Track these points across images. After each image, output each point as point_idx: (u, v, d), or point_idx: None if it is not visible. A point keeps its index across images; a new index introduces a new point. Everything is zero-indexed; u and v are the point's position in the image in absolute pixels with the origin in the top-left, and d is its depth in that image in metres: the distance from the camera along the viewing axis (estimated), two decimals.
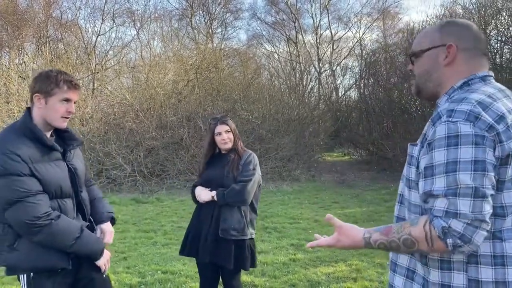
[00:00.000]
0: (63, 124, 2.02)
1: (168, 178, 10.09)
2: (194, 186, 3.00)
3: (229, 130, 2.88)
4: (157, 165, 10.25)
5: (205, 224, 2.83)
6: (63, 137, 2.12)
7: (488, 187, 1.20)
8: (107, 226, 2.27)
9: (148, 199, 8.77)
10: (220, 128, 2.87)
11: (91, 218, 2.26)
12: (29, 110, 2.01)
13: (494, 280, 1.25)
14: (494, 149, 1.22)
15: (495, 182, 1.23)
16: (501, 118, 1.24)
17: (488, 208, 1.20)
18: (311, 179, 11.33)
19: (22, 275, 1.97)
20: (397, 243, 1.30)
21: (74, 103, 2.04)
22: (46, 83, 1.95)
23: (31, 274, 1.96)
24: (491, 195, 1.21)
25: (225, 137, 2.86)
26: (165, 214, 7.40)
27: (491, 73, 1.39)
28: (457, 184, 1.20)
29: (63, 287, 2.05)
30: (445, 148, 1.23)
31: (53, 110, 1.96)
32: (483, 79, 1.37)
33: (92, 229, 2.23)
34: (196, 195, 2.91)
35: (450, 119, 1.24)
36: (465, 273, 1.27)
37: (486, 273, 1.25)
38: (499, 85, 1.37)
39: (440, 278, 1.30)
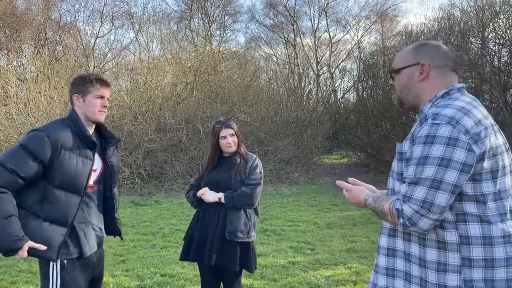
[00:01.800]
0: (101, 117, 2.28)
1: (166, 181, 10.07)
2: (194, 188, 2.94)
3: (234, 133, 2.88)
4: (155, 167, 10.23)
5: (211, 226, 2.79)
6: (104, 136, 2.37)
7: (447, 182, 1.41)
8: None
9: (146, 202, 8.75)
10: (225, 131, 2.85)
11: (117, 217, 2.44)
12: (74, 110, 2.28)
13: (483, 257, 1.45)
14: (469, 149, 1.41)
15: (458, 178, 1.42)
16: (478, 122, 1.46)
17: (442, 199, 1.42)
18: (309, 182, 11.33)
19: (53, 262, 2.12)
20: (377, 211, 1.60)
21: (108, 99, 2.29)
22: (82, 83, 2.23)
23: (65, 260, 2.12)
24: (453, 188, 1.42)
25: (230, 140, 2.85)
26: (163, 216, 7.39)
27: (464, 85, 1.64)
28: (421, 174, 1.44)
29: (86, 279, 2.25)
30: (423, 144, 1.45)
31: (91, 105, 2.23)
32: (460, 90, 1.59)
33: (115, 232, 2.48)
34: (199, 195, 2.84)
35: (434, 121, 1.46)
36: (459, 253, 1.46)
37: (477, 252, 1.45)
38: (471, 95, 1.61)
39: (437, 257, 1.49)
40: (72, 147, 2.15)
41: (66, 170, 2.10)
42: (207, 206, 2.83)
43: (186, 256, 2.89)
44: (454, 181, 1.41)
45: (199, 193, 2.85)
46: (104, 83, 2.26)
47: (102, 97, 2.25)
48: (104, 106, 2.26)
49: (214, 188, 2.82)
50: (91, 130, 2.29)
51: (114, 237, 2.53)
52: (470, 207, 1.46)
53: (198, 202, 2.88)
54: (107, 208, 2.40)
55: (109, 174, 2.34)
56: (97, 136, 2.34)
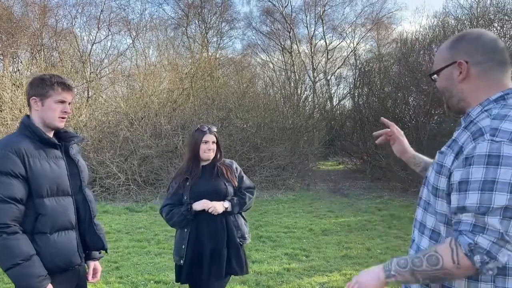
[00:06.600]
0: (61, 124, 2.09)
1: (162, 187, 10.04)
2: (177, 206, 2.80)
3: (215, 141, 2.88)
4: (151, 173, 10.20)
5: (220, 238, 2.74)
6: (64, 137, 2.17)
7: None
8: (98, 265, 2.34)
9: (141, 208, 8.72)
10: (209, 137, 2.85)
11: (96, 222, 2.19)
12: (28, 116, 2.10)
13: None
14: None
15: None
16: None
17: None
18: (305, 188, 11.33)
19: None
20: (421, 259, 1.30)
21: (69, 104, 2.11)
22: (41, 86, 2.04)
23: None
24: None
25: (211, 146, 2.84)
26: (158, 223, 7.34)
27: None
28: (490, 203, 1.21)
29: None
30: (484, 166, 1.22)
31: (50, 110, 2.04)
32: None
33: (97, 243, 2.20)
34: (201, 208, 2.71)
35: (493, 138, 1.24)
36: (492, 283, 1.30)
37: None
38: None
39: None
40: (38, 153, 1.99)
41: (44, 177, 1.96)
42: (211, 219, 2.73)
43: (189, 274, 2.77)
44: None
45: (203, 206, 2.71)
46: (66, 86, 2.07)
47: (63, 102, 2.06)
48: (65, 112, 2.07)
49: (214, 198, 2.75)
50: (50, 135, 2.09)
51: (100, 253, 2.32)
52: None
53: (194, 217, 2.74)
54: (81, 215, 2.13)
55: (76, 173, 2.13)
56: (57, 139, 2.15)
